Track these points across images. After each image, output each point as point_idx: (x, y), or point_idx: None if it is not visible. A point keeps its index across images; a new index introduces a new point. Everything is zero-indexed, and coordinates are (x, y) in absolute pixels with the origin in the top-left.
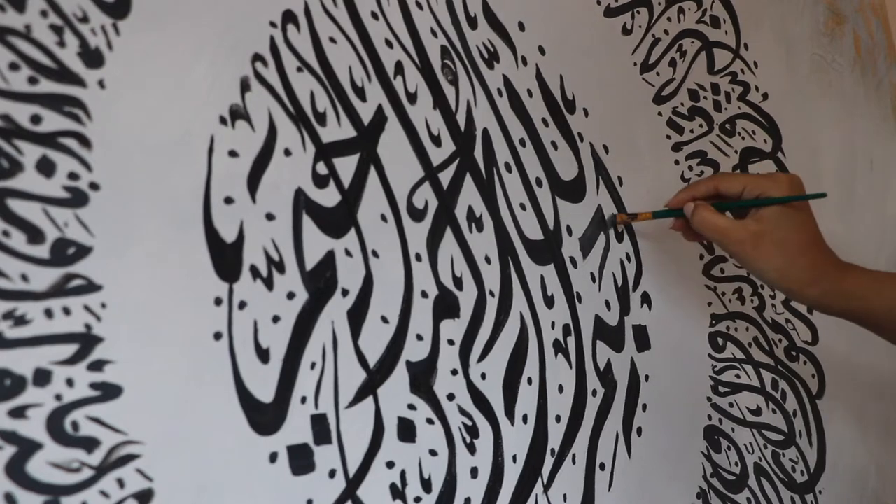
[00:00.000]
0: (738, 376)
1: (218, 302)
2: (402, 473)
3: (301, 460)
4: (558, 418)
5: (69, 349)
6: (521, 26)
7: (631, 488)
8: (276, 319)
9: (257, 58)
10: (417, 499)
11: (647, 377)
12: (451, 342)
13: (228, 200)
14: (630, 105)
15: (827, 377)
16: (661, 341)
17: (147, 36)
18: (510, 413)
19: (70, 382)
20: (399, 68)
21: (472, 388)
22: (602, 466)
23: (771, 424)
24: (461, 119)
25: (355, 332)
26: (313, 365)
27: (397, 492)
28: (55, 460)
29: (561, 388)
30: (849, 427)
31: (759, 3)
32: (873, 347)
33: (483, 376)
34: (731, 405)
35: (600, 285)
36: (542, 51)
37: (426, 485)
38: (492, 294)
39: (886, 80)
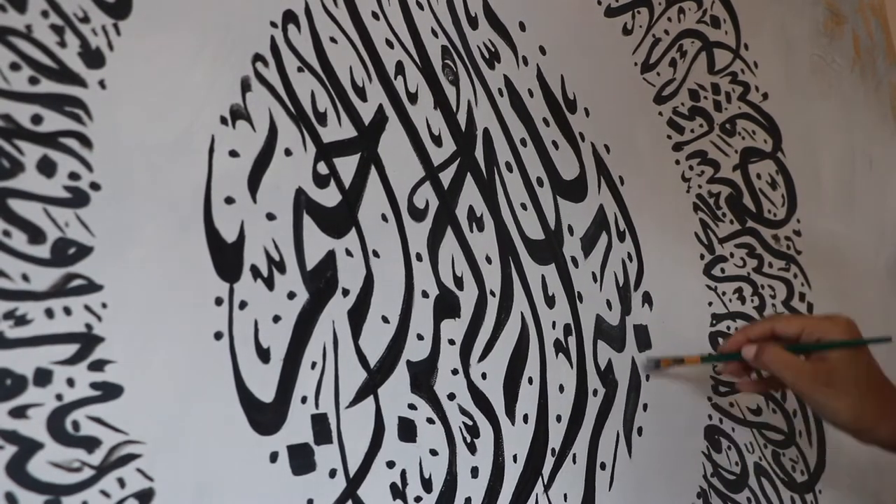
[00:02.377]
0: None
1: (219, 302)
2: (403, 473)
3: (301, 460)
4: (559, 418)
5: (70, 349)
6: (522, 26)
7: (631, 488)
8: (276, 319)
9: (258, 58)
10: (418, 498)
11: (647, 377)
12: (451, 342)
13: (229, 200)
14: (631, 105)
15: None
16: (662, 341)
17: (148, 36)
18: (511, 413)
19: (71, 382)
20: (400, 68)
21: (472, 387)
22: (603, 466)
23: (771, 424)
24: (462, 119)
25: (356, 331)
26: (314, 365)
27: (398, 491)
28: (56, 460)
29: (562, 388)
30: None
31: (759, 4)
32: (873, 347)
33: (484, 376)
34: (731, 405)
35: (601, 285)
36: (542, 51)
37: (427, 484)
38: (492, 294)
39: (886, 81)
